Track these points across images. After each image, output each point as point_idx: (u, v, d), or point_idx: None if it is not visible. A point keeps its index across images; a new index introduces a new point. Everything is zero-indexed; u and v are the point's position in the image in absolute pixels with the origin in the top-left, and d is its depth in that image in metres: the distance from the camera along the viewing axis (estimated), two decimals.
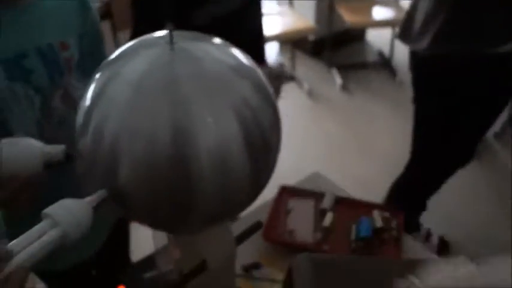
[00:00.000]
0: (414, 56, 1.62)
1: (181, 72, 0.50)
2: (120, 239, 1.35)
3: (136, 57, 0.52)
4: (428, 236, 2.08)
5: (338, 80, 3.34)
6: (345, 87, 3.30)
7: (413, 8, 1.58)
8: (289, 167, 1.79)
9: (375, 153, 2.72)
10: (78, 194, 0.53)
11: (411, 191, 1.91)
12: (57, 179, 0.80)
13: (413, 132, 1.78)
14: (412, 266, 0.76)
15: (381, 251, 1.10)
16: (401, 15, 3.16)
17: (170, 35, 0.51)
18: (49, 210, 0.48)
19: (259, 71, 0.57)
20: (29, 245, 0.46)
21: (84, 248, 1.17)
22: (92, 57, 1.02)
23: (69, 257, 1.10)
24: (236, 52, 0.56)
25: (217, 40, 0.56)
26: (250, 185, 0.55)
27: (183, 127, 0.48)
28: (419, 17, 1.51)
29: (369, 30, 3.86)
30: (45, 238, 0.47)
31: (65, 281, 1.13)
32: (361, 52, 3.81)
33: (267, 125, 0.55)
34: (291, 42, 3.38)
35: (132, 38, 0.58)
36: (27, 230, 0.47)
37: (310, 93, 3.23)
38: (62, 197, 0.51)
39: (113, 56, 0.55)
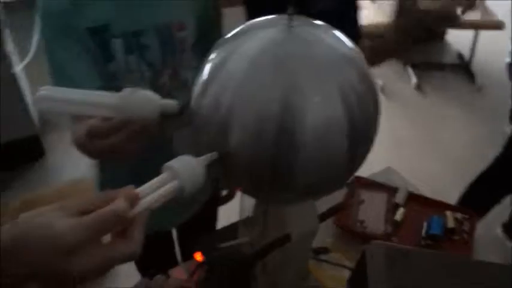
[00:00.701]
0: None
1: (295, 53, 0.54)
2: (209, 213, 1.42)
3: (255, 36, 0.56)
4: None
5: (413, 78, 3.27)
6: (419, 87, 3.22)
7: None
8: None
9: (444, 155, 2.66)
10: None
11: (495, 189, 1.90)
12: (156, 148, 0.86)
13: None
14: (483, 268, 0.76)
15: (449, 251, 1.10)
16: (487, 17, 3.06)
17: (289, 18, 0.55)
18: (170, 163, 0.53)
19: (365, 61, 0.59)
20: (151, 193, 0.50)
21: (176, 216, 1.25)
22: (208, 39, 1.05)
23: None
24: (347, 41, 0.58)
25: (330, 28, 0.59)
26: (345, 166, 0.58)
27: (292, 103, 0.52)
28: None
29: (450, 30, 3.73)
30: (165, 188, 0.51)
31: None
32: (439, 52, 3.69)
33: (369, 112, 0.57)
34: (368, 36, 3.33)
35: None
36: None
37: (384, 90, 3.18)
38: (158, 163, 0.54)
39: (233, 32, 0.59)
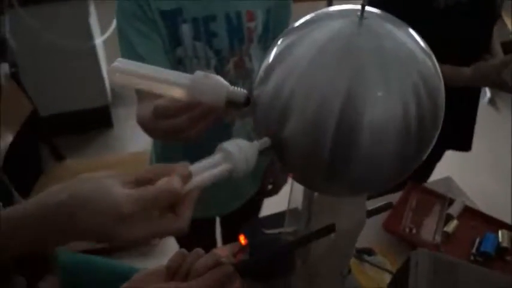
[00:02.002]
0: None
1: (364, 45, 0.53)
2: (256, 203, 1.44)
3: (326, 25, 0.56)
4: None
5: (487, 93, 3.12)
6: (492, 102, 3.08)
7: None
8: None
9: (507, 172, 2.54)
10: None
11: None
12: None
13: None
14: None
15: (500, 272, 1.05)
16: None
17: (362, 9, 0.54)
18: (224, 145, 0.54)
19: (435, 62, 0.57)
20: (203, 171, 0.52)
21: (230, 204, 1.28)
22: (276, 31, 1.05)
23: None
24: (419, 40, 0.57)
25: (404, 25, 0.58)
26: (398, 166, 0.57)
27: (355, 95, 0.51)
28: None
29: None
30: (218, 168, 0.52)
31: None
32: None
33: (429, 115, 0.55)
34: None
35: None
36: None
37: None
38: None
39: (303, 20, 0.59)
